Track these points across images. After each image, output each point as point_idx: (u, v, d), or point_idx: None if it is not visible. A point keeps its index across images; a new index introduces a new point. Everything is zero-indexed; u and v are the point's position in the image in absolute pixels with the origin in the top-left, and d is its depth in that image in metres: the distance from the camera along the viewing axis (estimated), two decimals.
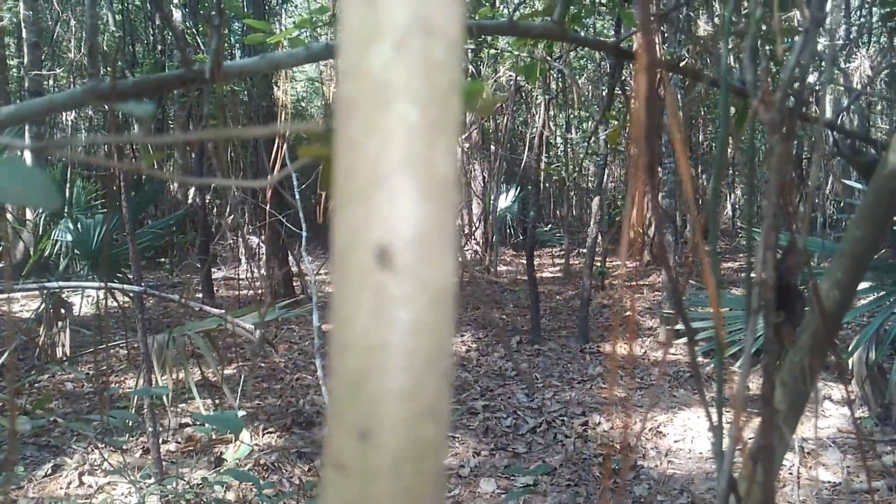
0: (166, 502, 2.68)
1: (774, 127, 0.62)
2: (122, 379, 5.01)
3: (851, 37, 8.82)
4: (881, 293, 3.95)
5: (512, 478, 3.42)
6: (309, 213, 3.26)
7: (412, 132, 0.20)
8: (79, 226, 5.58)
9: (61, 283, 3.48)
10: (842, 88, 6.96)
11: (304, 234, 2.92)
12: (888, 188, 0.79)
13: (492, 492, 3.27)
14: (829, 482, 3.24)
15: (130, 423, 3.76)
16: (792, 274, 0.67)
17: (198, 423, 2.99)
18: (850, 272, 0.79)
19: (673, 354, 5.59)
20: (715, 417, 0.66)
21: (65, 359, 5.09)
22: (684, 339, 5.85)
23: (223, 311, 3.63)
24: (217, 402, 4.17)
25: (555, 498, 3.17)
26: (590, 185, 9.57)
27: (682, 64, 3.48)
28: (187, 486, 3.09)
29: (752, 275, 0.69)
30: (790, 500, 3.08)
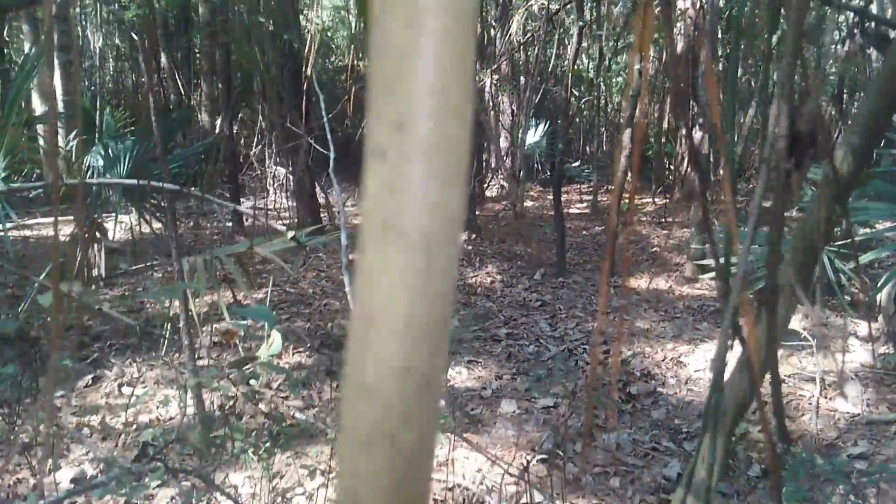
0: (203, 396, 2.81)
1: None
2: (156, 302, 5.17)
3: None
4: None
5: (532, 400, 3.51)
6: (336, 143, 3.26)
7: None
8: (109, 151, 5.65)
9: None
10: None
11: (331, 155, 2.92)
12: None
13: (512, 412, 3.36)
14: (848, 413, 3.26)
15: (165, 340, 3.91)
16: (803, 123, 0.66)
17: (235, 317, 3.10)
18: (864, 141, 0.78)
19: (698, 289, 5.58)
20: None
21: (101, 279, 5.26)
22: (710, 275, 5.79)
23: (252, 209, 3.70)
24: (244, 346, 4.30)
25: (574, 420, 3.26)
26: (621, 120, 9.36)
27: None
28: (221, 376, 3.22)
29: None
30: (808, 429, 3.12)
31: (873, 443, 2.95)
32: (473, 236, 7.49)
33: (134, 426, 3.15)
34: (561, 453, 2.89)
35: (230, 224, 8.01)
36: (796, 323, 4.41)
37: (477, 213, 8.30)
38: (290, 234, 3.45)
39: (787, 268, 0.65)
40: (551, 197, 7.07)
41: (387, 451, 0.23)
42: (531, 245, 7.33)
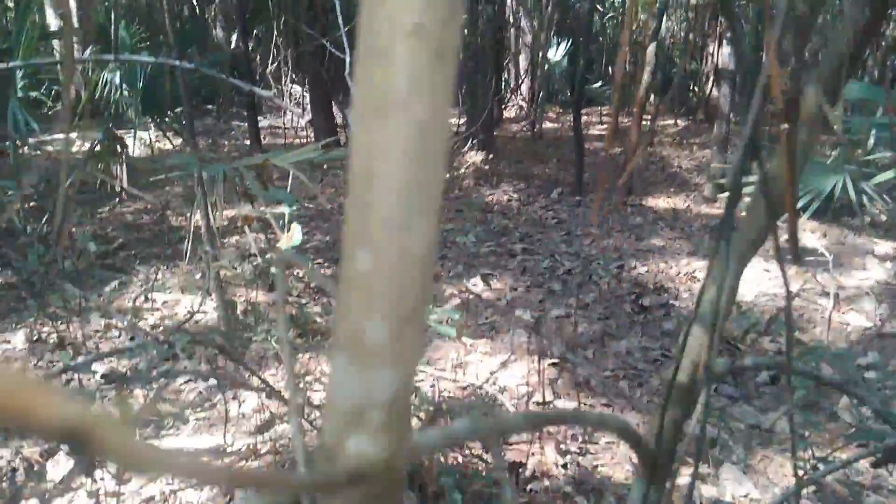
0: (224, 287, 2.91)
1: None
2: (178, 213, 5.25)
3: None
4: None
5: (546, 310, 3.57)
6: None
7: None
8: (125, 65, 5.61)
9: None
10: None
11: (347, 59, 2.87)
12: None
13: (527, 319, 3.44)
14: (861, 326, 3.29)
15: (187, 251, 4.00)
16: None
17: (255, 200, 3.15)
18: None
19: (717, 209, 5.53)
20: None
21: (122, 191, 5.34)
22: (727, 194, 5.79)
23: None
24: (267, 236, 4.37)
25: (586, 328, 3.32)
26: (646, 39, 9.05)
27: None
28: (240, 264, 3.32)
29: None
30: (819, 339, 3.16)
31: (884, 354, 2.99)
32: (490, 156, 7.43)
33: (161, 328, 3.27)
34: (572, 358, 2.98)
35: (248, 142, 8.00)
36: (815, 240, 4.40)
37: (495, 133, 8.20)
38: (313, 147, 3.45)
39: (813, 86, 0.64)
40: (571, 118, 6.94)
41: (400, 120, 0.24)
42: (549, 167, 7.27)
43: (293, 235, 2.01)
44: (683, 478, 1.99)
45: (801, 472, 1.99)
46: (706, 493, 1.97)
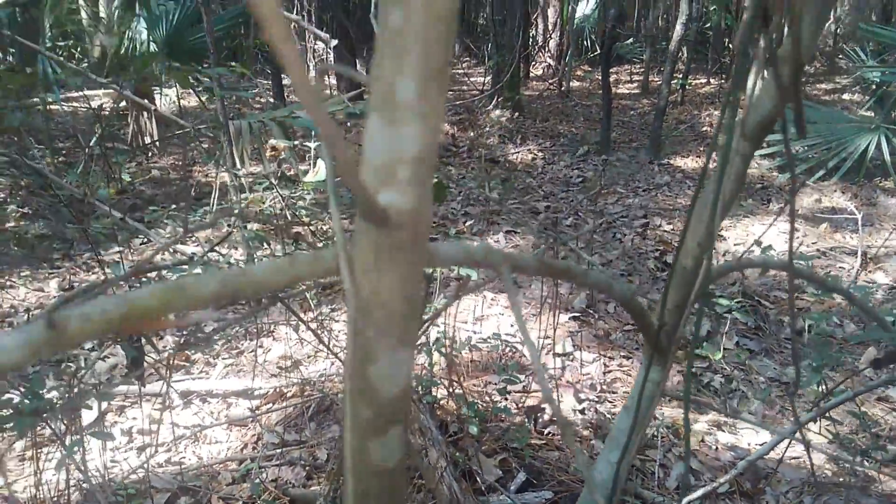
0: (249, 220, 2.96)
1: None
2: (205, 168, 5.31)
3: None
4: None
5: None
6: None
7: None
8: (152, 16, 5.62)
9: None
10: None
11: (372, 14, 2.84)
12: None
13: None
14: (886, 284, 3.24)
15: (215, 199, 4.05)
16: None
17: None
18: None
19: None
20: None
21: (152, 144, 5.40)
22: (759, 151, 5.60)
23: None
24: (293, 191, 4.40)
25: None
26: None
27: None
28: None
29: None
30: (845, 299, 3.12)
31: None
32: (517, 114, 7.34)
33: None
34: (593, 312, 2.99)
35: (272, 100, 8.01)
36: (844, 200, 4.31)
37: (521, 91, 8.08)
38: (337, 100, 3.44)
39: None
40: (599, 75, 6.80)
41: None
42: (576, 126, 7.16)
43: (319, 170, 2.03)
44: (701, 423, 2.02)
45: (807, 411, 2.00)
46: (723, 440, 1.98)
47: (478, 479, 1.66)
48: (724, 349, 2.61)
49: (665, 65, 6.11)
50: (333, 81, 7.89)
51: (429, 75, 0.33)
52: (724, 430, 2.05)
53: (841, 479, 1.83)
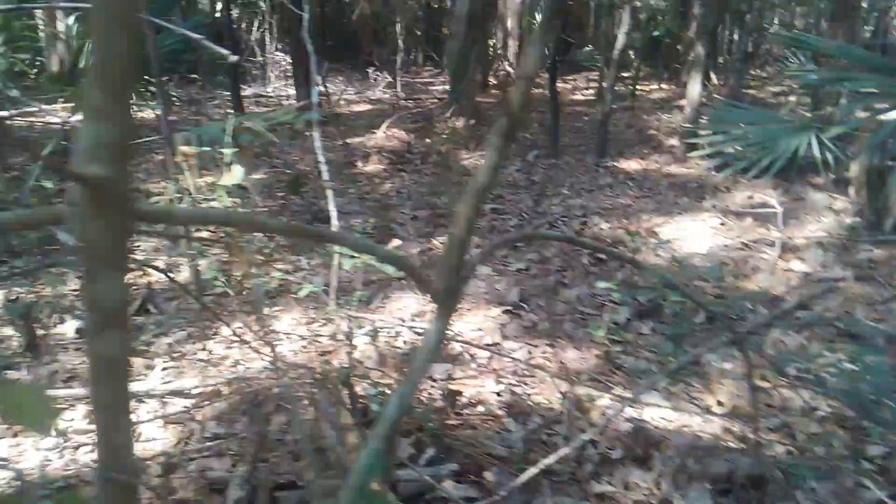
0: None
1: None
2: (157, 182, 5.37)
3: None
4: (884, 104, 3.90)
5: (507, 264, 3.73)
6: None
7: None
8: None
9: None
10: None
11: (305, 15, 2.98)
12: None
13: (488, 272, 3.59)
14: (803, 272, 3.46)
15: None
16: None
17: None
18: None
19: (686, 169, 5.67)
20: None
21: None
22: (697, 153, 5.84)
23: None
24: (243, 200, 4.51)
25: (542, 279, 3.48)
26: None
27: None
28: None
29: None
30: (761, 285, 3.32)
31: (817, 297, 3.15)
32: (473, 122, 7.52)
33: None
34: (525, 305, 3.14)
35: (231, 111, 8.09)
36: (772, 195, 4.53)
37: (479, 99, 8.27)
38: (285, 111, 3.56)
39: None
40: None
41: None
42: (530, 132, 7.36)
43: (235, 174, 2.15)
44: (605, 399, 2.17)
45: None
46: (629, 413, 2.14)
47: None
48: (641, 333, 2.79)
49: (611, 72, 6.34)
50: (292, 92, 7.99)
51: (115, 91, 0.55)
52: (632, 407, 2.21)
53: (727, 444, 2.00)
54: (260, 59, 10.17)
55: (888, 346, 2.62)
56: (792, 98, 8.45)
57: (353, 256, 2.04)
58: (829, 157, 4.92)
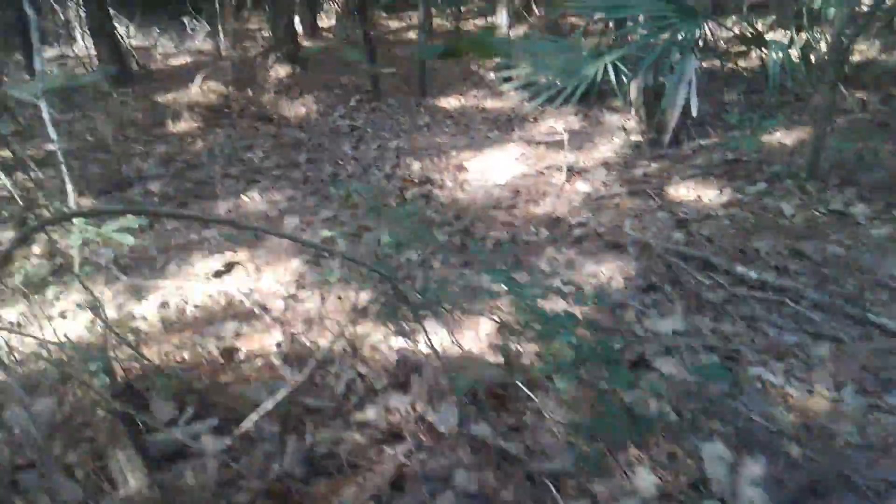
0: None
1: None
2: None
3: None
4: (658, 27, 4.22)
5: (316, 214, 3.73)
6: None
7: None
8: None
9: None
10: None
11: None
12: None
13: (294, 225, 3.59)
14: (585, 193, 3.75)
15: None
16: None
17: None
18: None
19: (501, 103, 5.87)
20: None
21: None
22: (510, 85, 6.03)
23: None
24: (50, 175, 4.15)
25: (350, 224, 3.53)
26: None
27: None
28: None
29: None
30: (548, 210, 3.57)
31: (594, 214, 3.44)
32: (297, 69, 7.29)
33: None
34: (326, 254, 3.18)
35: (27, 77, 7.31)
36: (569, 121, 4.82)
37: (305, 45, 8.01)
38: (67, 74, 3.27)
39: None
40: (393, 23, 6.94)
41: None
42: (356, 77, 7.27)
43: None
44: (379, 333, 2.28)
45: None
46: (395, 346, 2.27)
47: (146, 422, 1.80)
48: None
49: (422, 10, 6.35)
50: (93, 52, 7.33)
51: None
52: (415, 335, 2.33)
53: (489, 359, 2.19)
54: (62, 16, 9.20)
55: (641, 252, 2.93)
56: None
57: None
58: (625, 80, 5.29)
